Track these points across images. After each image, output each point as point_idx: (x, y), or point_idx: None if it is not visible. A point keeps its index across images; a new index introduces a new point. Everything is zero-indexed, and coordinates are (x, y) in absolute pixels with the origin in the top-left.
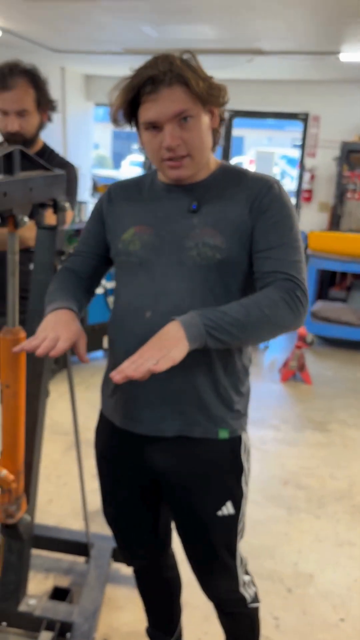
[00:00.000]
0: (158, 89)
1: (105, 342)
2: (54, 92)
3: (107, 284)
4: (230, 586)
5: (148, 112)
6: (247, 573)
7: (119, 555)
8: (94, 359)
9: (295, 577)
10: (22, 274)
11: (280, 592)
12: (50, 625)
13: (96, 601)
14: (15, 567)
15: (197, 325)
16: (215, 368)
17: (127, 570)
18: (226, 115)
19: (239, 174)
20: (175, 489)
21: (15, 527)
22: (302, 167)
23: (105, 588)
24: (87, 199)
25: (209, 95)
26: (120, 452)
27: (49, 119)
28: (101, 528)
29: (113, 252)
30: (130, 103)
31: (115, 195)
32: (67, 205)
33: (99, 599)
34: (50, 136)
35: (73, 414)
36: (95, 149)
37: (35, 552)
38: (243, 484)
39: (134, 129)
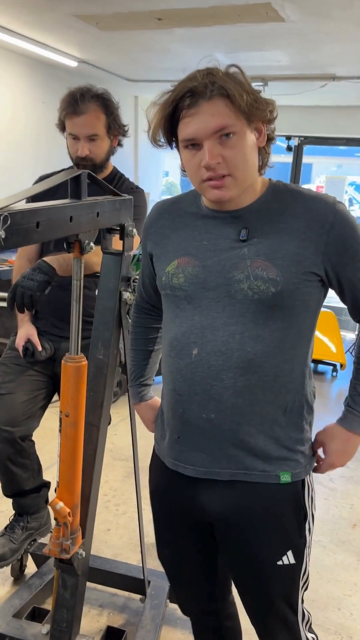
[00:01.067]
0: (197, 103)
1: None
2: (126, 119)
3: None
4: None
5: (187, 128)
6: (310, 630)
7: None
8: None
9: None
10: (87, 299)
11: None
12: None
13: None
14: (68, 604)
15: None
16: (271, 408)
17: None
18: (296, 141)
19: (293, 194)
20: (230, 535)
21: (69, 563)
22: None
23: (161, 630)
24: None
25: (255, 109)
26: (173, 494)
27: (120, 144)
28: (159, 563)
29: (158, 284)
30: (170, 119)
31: (154, 225)
32: (134, 231)
33: None
34: (122, 162)
35: (133, 442)
36: (165, 176)
37: (90, 585)
38: (306, 532)
39: (175, 149)
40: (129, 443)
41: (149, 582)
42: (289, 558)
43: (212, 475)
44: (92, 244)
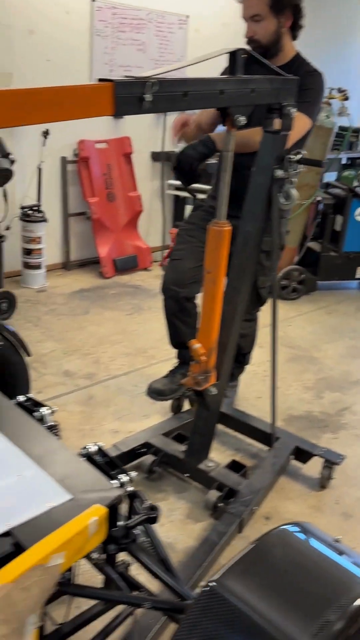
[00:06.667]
0: None
1: None
2: None
3: None
4: None
5: None
6: None
7: (300, 455)
8: (344, 288)
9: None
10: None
11: None
12: (219, 487)
13: (264, 482)
14: (201, 431)
15: None
16: None
17: (305, 469)
18: None
19: None
20: None
21: (203, 396)
22: None
23: (279, 478)
24: None
25: None
26: None
27: (298, 26)
28: (296, 430)
29: None
30: None
31: None
32: (293, 111)
33: (267, 481)
34: None
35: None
36: None
37: (229, 432)
38: None
39: None
40: (299, 335)
41: (277, 438)
42: None
43: None
44: (242, 117)
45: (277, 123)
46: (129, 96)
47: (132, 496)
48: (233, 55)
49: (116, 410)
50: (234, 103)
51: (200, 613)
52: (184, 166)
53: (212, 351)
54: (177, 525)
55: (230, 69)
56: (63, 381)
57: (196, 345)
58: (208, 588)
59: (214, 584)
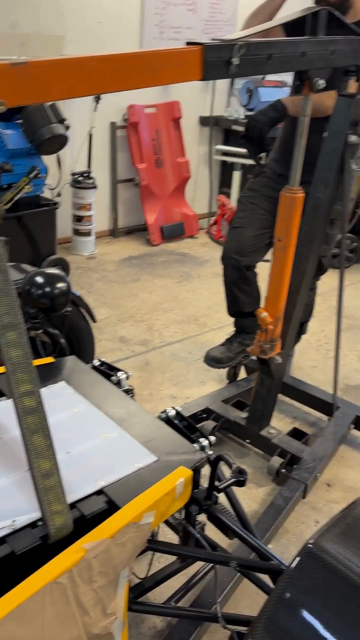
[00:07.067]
0: None
1: None
2: None
3: None
4: None
5: None
6: None
7: None
8: None
9: None
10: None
11: None
12: (282, 454)
13: (326, 450)
14: (263, 398)
15: None
16: None
17: None
18: None
19: None
20: None
21: (267, 364)
22: None
23: (340, 446)
24: None
25: None
26: None
27: None
28: (353, 400)
29: None
30: None
31: None
32: None
33: (329, 449)
34: None
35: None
36: None
37: (287, 401)
38: None
39: None
40: (352, 304)
41: (337, 407)
42: None
43: None
44: (322, 81)
45: (351, 86)
46: (217, 60)
47: (218, 459)
48: (315, 15)
49: (172, 376)
50: (314, 65)
51: (299, 574)
52: (253, 133)
53: (279, 320)
54: (241, 489)
55: (312, 30)
56: (119, 347)
57: (264, 313)
58: (306, 550)
59: (311, 546)
